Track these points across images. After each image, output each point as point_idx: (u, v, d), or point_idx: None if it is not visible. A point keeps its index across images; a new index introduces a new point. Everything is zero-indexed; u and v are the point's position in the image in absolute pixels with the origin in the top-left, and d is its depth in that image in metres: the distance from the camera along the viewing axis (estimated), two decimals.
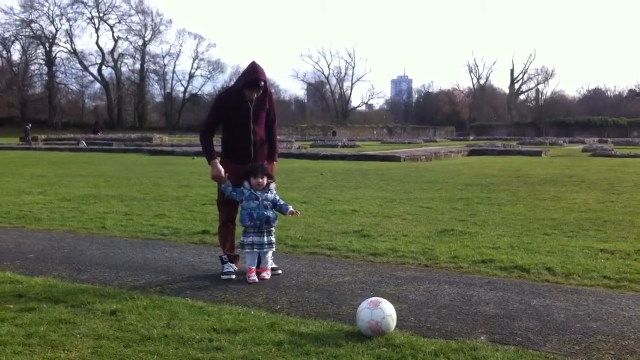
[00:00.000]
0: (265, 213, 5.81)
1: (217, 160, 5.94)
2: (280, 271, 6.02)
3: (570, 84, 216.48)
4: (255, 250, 5.82)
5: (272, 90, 6.27)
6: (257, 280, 5.74)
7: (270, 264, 6.00)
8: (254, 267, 5.83)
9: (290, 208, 5.95)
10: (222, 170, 5.90)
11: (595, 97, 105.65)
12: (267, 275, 5.85)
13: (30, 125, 53.38)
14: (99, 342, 4.05)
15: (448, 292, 5.42)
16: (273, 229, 5.92)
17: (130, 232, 8.38)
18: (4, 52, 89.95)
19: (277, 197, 5.96)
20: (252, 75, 5.85)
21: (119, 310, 4.72)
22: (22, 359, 3.77)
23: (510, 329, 4.43)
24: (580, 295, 5.31)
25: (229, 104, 5.96)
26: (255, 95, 5.93)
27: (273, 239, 5.92)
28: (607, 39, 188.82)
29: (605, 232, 8.51)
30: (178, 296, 5.21)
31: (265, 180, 5.85)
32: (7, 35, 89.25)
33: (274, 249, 5.96)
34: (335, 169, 21.28)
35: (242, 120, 5.95)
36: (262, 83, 5.89)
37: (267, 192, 5.86)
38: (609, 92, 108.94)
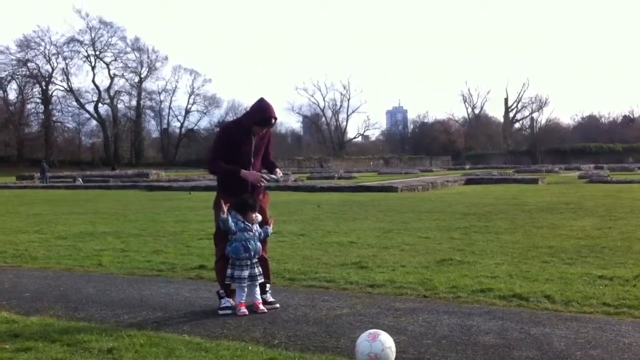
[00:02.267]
0: (258, 244, 5.87)
1: (243, 170, 5.96)
2: (277, 305, 5.98)
3: (565, 111, 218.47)
4: (249, 283, 5.82)
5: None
6: (247, 313, 5.72)
7: (269, 297, 5.98)
8: (244, 301, 5.82)
9: (269, 229, 6.05)
10: (256, 173, 5.93)
11: (590, 124, 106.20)
12: (263, 308, 5.83)
13: (44, 161, 52.80)
14: None
15: (447, 322, 5.38)
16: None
17: (127, 269, 8.34)
18: (1, 92, 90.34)
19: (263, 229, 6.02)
20: (264, 114, 5.89)
21: (115, 349, 4.68)
22: None
23: (510, 358, 4.39)
24: (580, 323, 5.28)
25: (236, 137, 5.99)
26: (264, 131, 6.00)
27: (260, 269, 5.94)
28: (600, 66, 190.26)
29: (604, 258, 8.50)
30: (175, 332, 5.17)
31: (258, 217, 5.91)
32: (3, 74, 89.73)
33: (262, 280, 5.96)
34: (332, 200, 21.28)
35: (244, 155, 5.99)
36: (274, 120, 5.98)
37: (256, 223, 5.92)
38: (603, 119, 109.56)
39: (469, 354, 4.52)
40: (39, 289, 7.15)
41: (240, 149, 5.99)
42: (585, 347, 4.61)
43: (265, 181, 6.01)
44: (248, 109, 6.14)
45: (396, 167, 77.73)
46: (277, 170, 6.16)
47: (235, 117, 6.48)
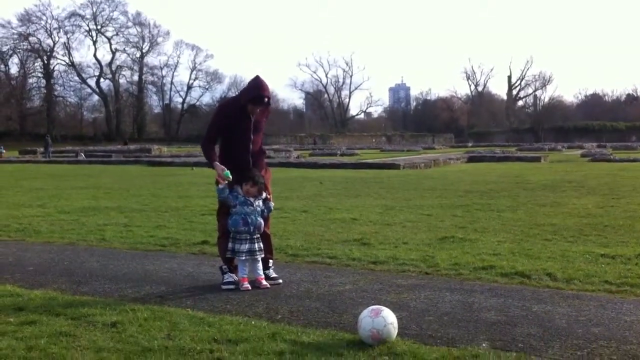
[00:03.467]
0: (259, 219, 5.87)
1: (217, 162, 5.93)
2: (280, 281, 6.01)
3: (568, 89, 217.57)
4: (249, 257, 5.84)
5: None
6: (249, 287, 5.75)
7: (271, 273, 6.01)
8: (246, 276, 5.84)
9: (271, 204, 6.09)
10: (223, 167, 5.86)
11: (593, 102, 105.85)
12: (266, 283, 5.86)
13: (48, 136, 52.74)
14: (100, 354, 4.03)
15: (449, 299, 5.40)
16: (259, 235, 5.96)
17: (130, 244, 8.37)
18: (2, 66, 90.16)
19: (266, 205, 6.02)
20: (258, 92, 5.86)
21: (119, 322, 4.70)
22: None
23: (512, 335, 4.41)
24: (582, 301, 5.30)
25: (231, 116, 5.97)
26: (258, 110, 5.96)
27: (261, 245, 5.95)
28: (604, 44, 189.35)
29: (606, 237, 8.51)
30: (179, 307, 5.19)
31: (255, 189, 5.89)
32: (4, 49, 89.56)
33: (263, 255, 5.97)
34: (334, 177, 21.27)
35: (242, 132, 5.97)
36: (267, 99, 5.93)
37: (260, 199, 5.91)
38: (606, 97, 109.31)
39: (471, 330, 4.54)
40: (42, 262, 7.18)
41: (240, 126, 5.97)
42: (587, 325, 4.63)
43: (220, 181, 5.90)
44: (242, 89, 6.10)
45: (398, 144, 77.62)
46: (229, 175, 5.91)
47: (234, 95, 6.39)
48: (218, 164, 5.89)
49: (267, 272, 6.02)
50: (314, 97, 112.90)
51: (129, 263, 7.11)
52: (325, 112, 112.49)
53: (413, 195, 14.53)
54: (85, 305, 5.22)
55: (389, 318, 4.25)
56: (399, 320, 4.41)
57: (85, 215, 11.32)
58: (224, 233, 6.07)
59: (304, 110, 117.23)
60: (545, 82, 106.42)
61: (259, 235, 5.93)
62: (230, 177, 5.80)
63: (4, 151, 49.80)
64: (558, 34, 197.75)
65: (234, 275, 5.97)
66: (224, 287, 5.85)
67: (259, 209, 5.91)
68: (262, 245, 5.95)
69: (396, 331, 4.27)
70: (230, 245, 5.89)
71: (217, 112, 6.28)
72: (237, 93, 6.26)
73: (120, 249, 8.08)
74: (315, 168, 27.16)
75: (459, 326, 4.64)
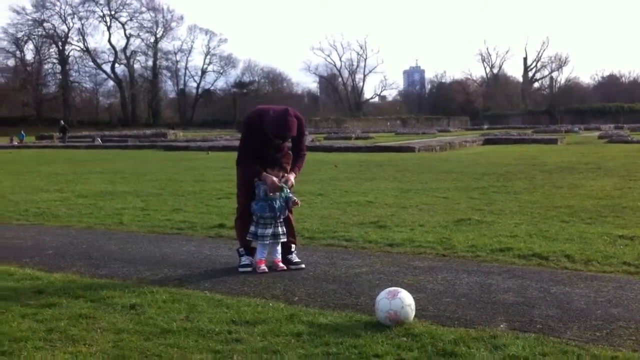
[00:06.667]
0: (284, 205, 5.88)
1: (265, 173, 5.86)
2: (303, 265, 5.96)
3: (585, 70, 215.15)
4: (271, 241, 5.85)
5: (302, 118, 6.01)
6: (267, 270, 5.77)
7: (294, 258, 6.02)
8: (264, 258, 5.86)
9: (294, 198, 6.01)
10: (275, 179, 5.81)
11: (610, 84, 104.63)
12: (283, 265, 5.87)
13: (63, 121, 52.96)
14: (120, 336, 4.07)
15: (466, 281, 5.39)
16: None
17: (148, 227, 8.42)
18: (18, 52, 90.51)
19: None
20: (281, 131, 5.74)
21: (138, 305, 4.75)
22: (44, 354, 3.79)
23: (530, 316, 4.40)
24: (600, 282, 5.27)
25: (260, 130, 5.87)
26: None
27: (284, 229, 5.95)
28: (621, 24, 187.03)
29: (624, 218, 8.45)
30: (197, 289, 5.23)
31: (280, 172, 5.88)
32: (20, 35, 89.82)
33: (285, 239, 5.97)
34: (349, 161, 21.25)
35: (269, 149, 5.95)
36: (290, 135, 5.83)
37: (284, 185, 5.90)
38: (623, 78, 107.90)
39: (489, 311, 4.54)
40: (61, 246, 7.24)
41: (265, 146, 5.92)
42: (605, 306, 4.61)
43: (279, 189, 5.85)
44: (272, 112, 5.84)
45: (413, 127, 77.26)
46: (290, 178, 5.95)
47: (261, 107, 6.24)
48: (267, 175, 5.83)
49: (289, 256, 6.01)
50: (328, 81, 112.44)
51: (147, 246, 7.16)
52: (339, 96, 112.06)
53: (429, 178, 14.49)
54: (104, 287, 5.27)
55: (407, 300, 4.26)
56: (416, 302, 4.42)
57: (103, 200, 11.39)
58: (241, 214, 6.08)
59: (318, 94, 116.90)
60: (561, 64, 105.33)
61: (282, 220, 5.94)
62: (286, 188, 5.82)
63: (25, 136, 50.22)
64: (574, 14, 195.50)
65: (250, 257, 5.98)
66: (241, 269, 5.87)
67: (283, 194, 5.87)
68: (285, 229, 5.95)
69: (413, 313, 4.28)
70: (252, 229, 5.89)
71: (245, 126, 6.17)
72: (264, 108, 6.10)
73: (137, 232, 8.13)
74: (330, 151, 27.12)
75: (477, 308, 4.63)
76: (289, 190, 5.91)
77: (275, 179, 5.80)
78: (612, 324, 4.20)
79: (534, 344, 3.81)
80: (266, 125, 5.77)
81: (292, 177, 5.97)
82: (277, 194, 5.83)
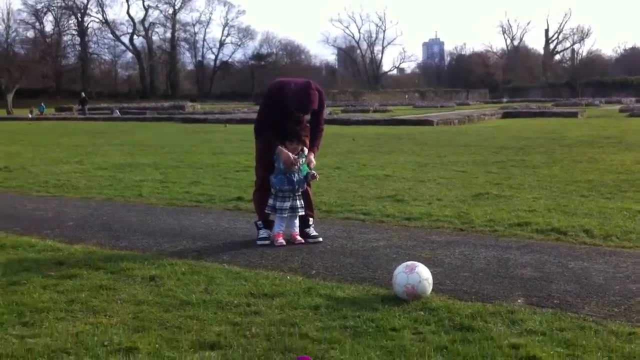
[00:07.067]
0: (302, 178, 5.88)
1: (281, 147, 5.83)
2: (320, 239, 5.97)
3: (607, 43, 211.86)
4: (290, 214, 5.87)
5: (322, 91, 5.92)
6: (284, 243, 5.80)
7: (312, 231, 6.03)
8: (282, 232, 5.88)
9: (312, 172, 5.98)
10: (290, 154, 5.80)
11: (633, 56, 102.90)
12: (300, 239, 5.90)
13: (83, 93, 53.00)
14: (140, 307, 4.13)
15: (484, 255, 5.39)
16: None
17: (167, 200, 8.48)
18: (37, 24, 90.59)
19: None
20: (302, 105, 5.70)
21: (158, 276, 4.80)
22: (65, 324, 3.85)
23: (548, 291, 4.39)
24: (619, 257, 5.24)
25: (280, 102, 5.83)
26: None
27: (302, 202, 5.96)
28: None
29: None
30: (215, 262, 5.27)
31: (299, 146, 5.87)
32: (39, 6, 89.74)
33: (303, 213, 5.98)
34: (367, 134, 21.19)
35: (289, 122, 5.91)
36: (312, 109, 5.77)
37: (302, 158, 5.88)
38: None
39: (506, 286, 4.54)
40: (81, 218, 7.32)
41: (285, 118, 5.88)
42: (624, 282, 4.59)
43: (295, 166, 5.83)
44: (293, 85, 5.80)
45: (432, 100, 76.66)
46: (311, 158, 5.93)
47: (284, 79, 6.19)
48: (284, 151, 5.81)
49: (307, 230, 6.03)
50: (346, 53, 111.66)
51: (166, 218, 7.22)
52: (357, 68, 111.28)
53: (447, 152, 14.42)
54: (124, 259, 5.33)
55: (424, 274, 4.26)
56: (434, 276, 4.42)
57: (122, 172, 11.47)
58: (260, 187, 6.09)
59: (336, 66, 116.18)
60: (583, 36, 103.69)
61: (300, 193, 5.95)
62: (306, 169, 5.83)
63: (45, 108, 50.48)
64: None
65: (268, 230, 6.01)
66: (259, 242, 5.90)
67: (301, 167, 5.86)
68: (303, 203, 5.96)
69: (431, 287, 4.29)
70: (271, 202, 5.90)
71: (265, 97, 6.16)
72: (285, 80, 6.04)
73: (156, 204, 8.19)
74: (347, 125, 27.04)
75: (494, 282, 4.63)
76: (308, 169, 5.90)
77: (290, 154, 5.79)
78: (630, 300, 4.19)
79: (551, 319, 3.81)
80: (287, 98, 5.74)
81: (312, 156, 5.95)
82: (295, 167, 5.82)
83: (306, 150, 5.94)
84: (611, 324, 3.74)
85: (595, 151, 13.97)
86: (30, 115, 44.13)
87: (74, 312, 4.07)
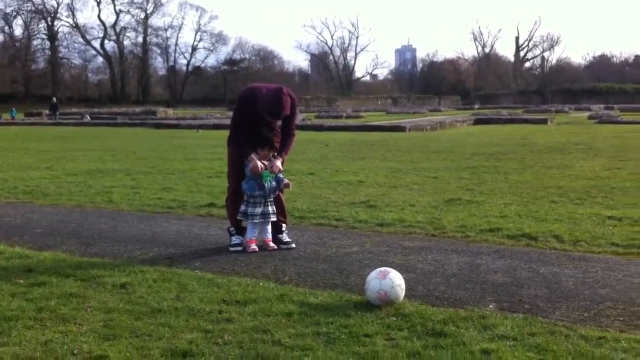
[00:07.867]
0: (273, 184, 5.85)
1: (253, 155, 5.79)
2: (293, 245, 5.96)
3: (576, 50, 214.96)
4: (261, 220, 5.84)
5: (295, 97, 5.93)
6: (257, 249, 5.77)
7: (284, 237, 6.02)
8: (254, 238, 5.86)
9: (285, 180, 5.99)
10: (259, 164, 5.77)
11: (601, 64, 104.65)
12: (273, 245, 5.88)
13: (55, 99, 52.13)
14: (110, 315, 4.07)
15: (456, 261, 5.42)
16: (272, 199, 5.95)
17: (138, 206, 8.40)
18: (6, 28, 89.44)
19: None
20: (274, 110, 5.68)
21: (128, 284, 4.74)
22: (34, 333, 3.79)
23: (519, 296, 4.43)
24: (589, 263, 5.30)
25: (252, 108, 5.81)
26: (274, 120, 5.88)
27: (274, 208, 5.94)
28: (613, 4, 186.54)
29: (613, 199, 8.49)
30: (187, 268, 5.23)
31: (270, 153, 5.87)
32: (8, 10, 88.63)
33: (275, 219, 5.97)
34: (340, 140, 21.23)
35: (261, 128, 5.88)
36: (284, 114, 5.76)
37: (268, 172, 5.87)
38: (614, 59, 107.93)
39: (478, 291, 4.56)
40: (51, 224, 7.22)
41: (257, 124, 5.85)
42: (594, 286, 4.64)
43: (259, 175, 5.80)
44: (265, 90, 5.79)
45: (404, 106, 77.03)
46: (277, 163, 5.88)
47: (254, 85, 6.20)
48: (254, 160, 5.76)
49: (280, 236, 6.01)
50: (319, 59, 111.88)
51: (137, 225, 7.15)
52: (330, 74, 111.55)
53: (419, 158, 14.50)
54: (94, 266, 5.26)
55: (397, 280, 4.27)
56: (406, 282, 4.43)
57: (92, 178, 11.34)
58: (232, 193, 6.07)
59: (309, 72, 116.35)
60: (553, 44, 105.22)
61: (272, 199, 5.93)
62: (268, 176, 5.79)
63: (17, 114, 49.68)
64: None
65: (241, 237, 5.98)
66: (231, 248, 5.87)
67: (268, 178, 5.83)
68: (275, 209, 5.94)
69: (403, 293, 4.30)
70: (243, 208, 5.87)
71: (238, 103, 6.09)
72: (258, 86, 6.02)
73: (127, 210, 8.11)
74: (321, 130, 27.09)
75: (466, 288, 4.66)
76: (274, 176, 5.87)
77: (258, 162, 5.76)
78: (600, 305, 4.24)
79: (522, 324, 3.84)
80: (259, 104, 5.73)
81: (278, 162, 5.91)
82: (262, 175, 5.77)
83: (278, 161, 5.93)
84: (581, 328, 3.78)
85: (565, 157, 14.16)
86: (4, 120, 43.49)
87: (43, 320, 4.00)
